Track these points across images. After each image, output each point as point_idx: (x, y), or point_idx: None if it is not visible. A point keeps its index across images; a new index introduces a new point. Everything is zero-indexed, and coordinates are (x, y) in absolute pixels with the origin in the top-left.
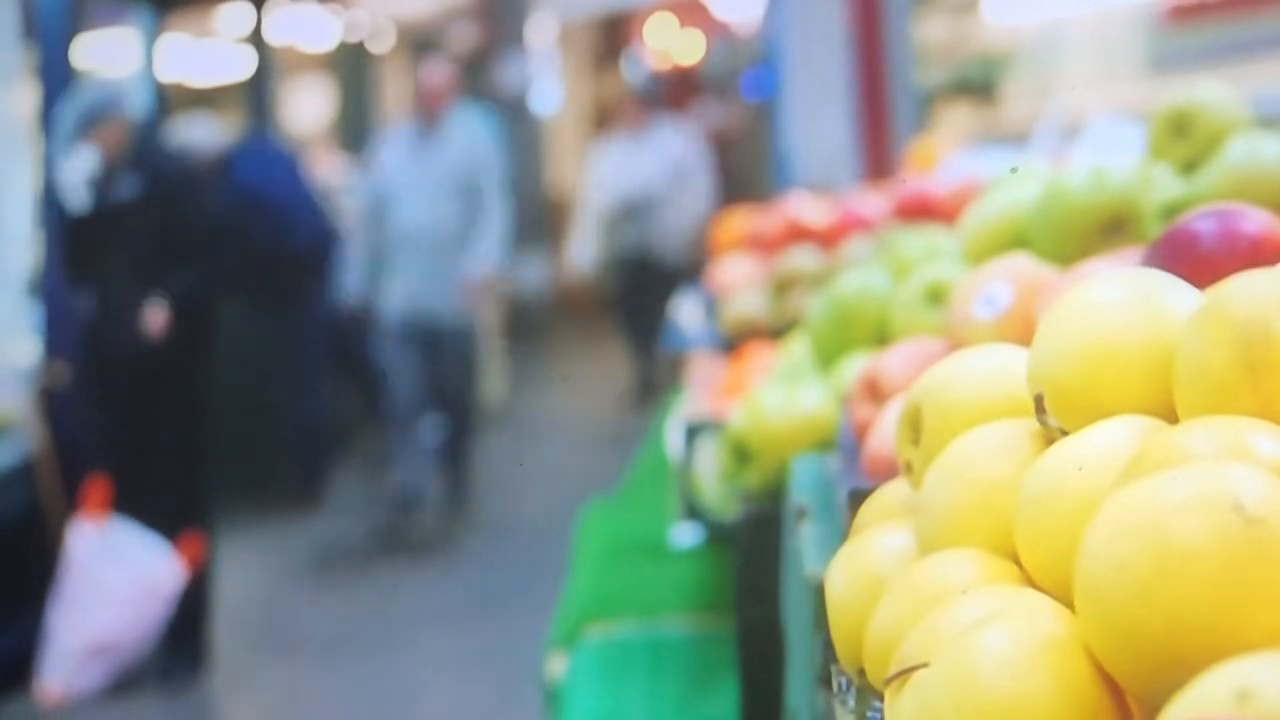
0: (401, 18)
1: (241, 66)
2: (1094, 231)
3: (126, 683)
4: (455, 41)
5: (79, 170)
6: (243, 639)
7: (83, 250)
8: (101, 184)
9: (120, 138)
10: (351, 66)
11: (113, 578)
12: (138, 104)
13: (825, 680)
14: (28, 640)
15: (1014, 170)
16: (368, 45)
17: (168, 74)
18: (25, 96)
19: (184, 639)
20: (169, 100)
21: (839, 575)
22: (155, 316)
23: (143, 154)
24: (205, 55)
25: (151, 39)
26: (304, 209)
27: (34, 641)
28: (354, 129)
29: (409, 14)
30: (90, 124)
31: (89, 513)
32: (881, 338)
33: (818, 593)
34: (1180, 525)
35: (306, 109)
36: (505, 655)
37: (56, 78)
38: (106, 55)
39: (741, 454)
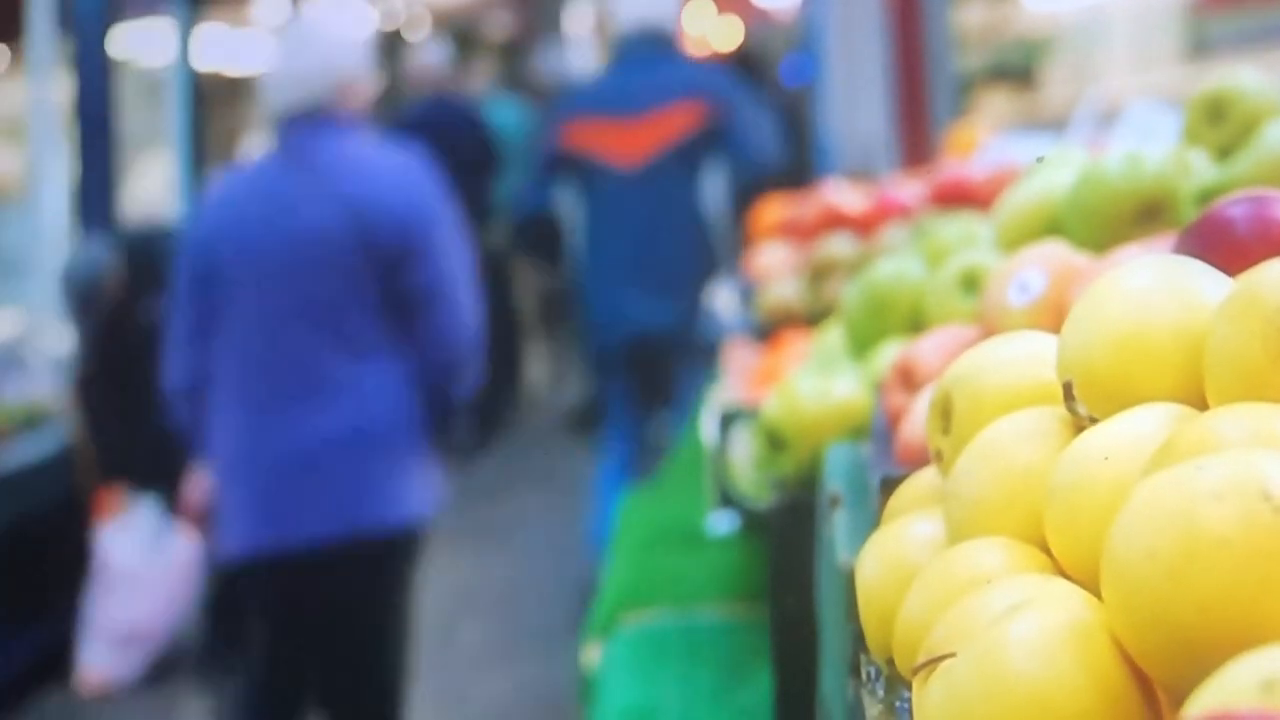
0: (438, 6)
1: None
2: (1129, 218)
3: (165, 671)
4: (492, 30)
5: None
6: None
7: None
8: (124, 319)
9: (119, 288)
10: (387, 55)
11: (143, 566)
12: (176, 94)
13: (856, 669)
14: (67, 628)
15: (1040, 160)
16: (404, 34)
17: (204, 64)
18: (62, 86)
19: (224, 627)
20: (205, 90)
21: (869, 564)
22: None
23: (148, 274)
24: (241, 45)
25: (188, 29)
26: None
27: (72, 630)
28: (386, 120)
29: (445, 2)
30: (88, 302)
31: (113, 504)
32: (916, 325)
33: (849, 581)
34: (1209, 513)
35: None
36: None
37: (93, 68)
38: (143, 45)
39: (776, 442)
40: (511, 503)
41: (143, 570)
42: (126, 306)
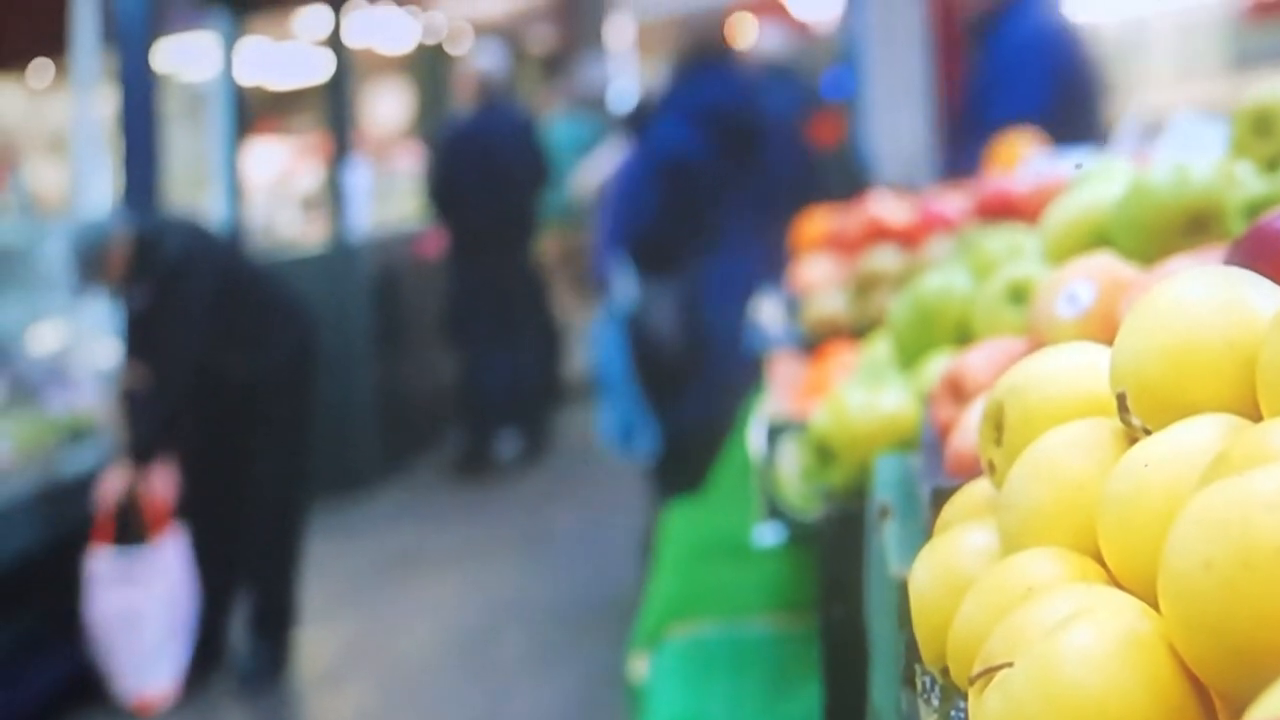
0: (479, 19)
1: (320, 69)
2: (1177, 230)
3: (205, 685)
4: (534, 43)
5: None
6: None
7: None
8: (122, 299)
9: (124, 259)
10: (430, 68)
11: (146, 590)
12: (220, 107)
13: (909, 679)
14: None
15: (1079, 167)
16: (446, 47)
17: (247, 77)
18: (106, 100)
19: (266, 641)
20: (249, 103)
21: (922, 574)
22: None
23: (147, 263)
24: (284, 58)
25: (231, 42)
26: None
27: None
28: (432, 130)
29: (487, 15)
30: (94, 265)
31: (108, 537)
32: (964, 337)
33: (901, 591)
34: (1265, 523)
35: (385, 111)
36: (586, 650)
37: (137, 81)
38: (186, 59)
39: (824, 453)
40: (554, 516)
41: (150, 592)
42: (126, 285)
